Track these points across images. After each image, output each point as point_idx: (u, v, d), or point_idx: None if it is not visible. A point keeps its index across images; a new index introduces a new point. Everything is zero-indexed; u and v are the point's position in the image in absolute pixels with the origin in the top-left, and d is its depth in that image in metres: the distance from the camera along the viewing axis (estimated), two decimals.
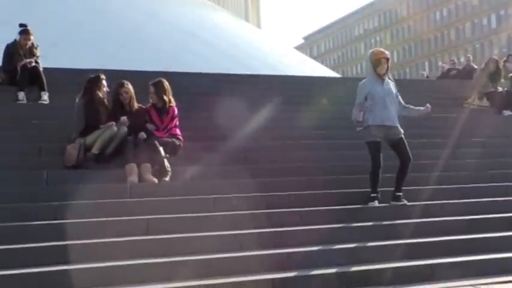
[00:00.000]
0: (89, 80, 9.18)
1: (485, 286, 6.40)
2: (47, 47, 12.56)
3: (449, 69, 23.07)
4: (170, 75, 11.46)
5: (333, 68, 67.66)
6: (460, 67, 24.37)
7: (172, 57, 19.64)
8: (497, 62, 15.90)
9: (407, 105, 8.77)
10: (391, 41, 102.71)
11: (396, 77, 44.58)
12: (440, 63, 41.16)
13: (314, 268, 6.71)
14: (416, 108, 8.83)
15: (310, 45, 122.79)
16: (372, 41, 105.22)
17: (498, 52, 64.48)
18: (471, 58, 24.56)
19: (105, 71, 10.19)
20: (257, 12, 68.33)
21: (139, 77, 10.73)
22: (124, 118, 8.99)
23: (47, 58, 12.14)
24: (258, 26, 60.02)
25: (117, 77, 9.69)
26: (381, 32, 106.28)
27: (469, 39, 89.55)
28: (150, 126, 9.06)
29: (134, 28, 21.31)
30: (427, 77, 29.14)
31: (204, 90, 12.96)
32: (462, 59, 63.65)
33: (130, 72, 12.02)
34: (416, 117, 9.47)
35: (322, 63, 51.40)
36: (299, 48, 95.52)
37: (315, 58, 71.73)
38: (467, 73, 20.60)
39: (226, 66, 19.00)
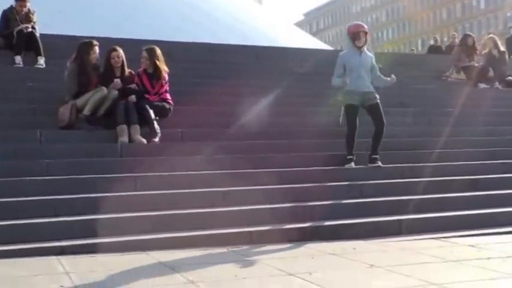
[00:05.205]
0: (81, 43, 8.91)
1: (447, 239, 6.46)
2: (52, 14, 12.26)
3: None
4: (173, 44, 11.30)
5: (331, 44, 66.98)
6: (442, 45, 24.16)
7: (176, 29, 19.38)
8: (473, 38, 15.70)
9: (378, 75, 8.62)
10: (387, 19, 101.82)
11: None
12: (431, 42, 40.78)
13: (292, 222, 6.68)
14: (385, 78, 8.64)
15: (309, 22, 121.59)
16: (369, 19, 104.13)
17: (485, 32, 63.81)
18: (456, 35, 24.18)
19: (109, 40, 9.96)
20: None
21: (142, 46, 10.50)
22: (117, 81, 8.82)
23: (51, 25, 11.89)
24: (259, 1, 59.33)
25: (120, 45, 9.40)
26: (376, 11, 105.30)
27: (459, 18, 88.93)
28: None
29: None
30: (413, 50, 28.96)
31: (203, 59, 12.79)
32: None
33: (132, 40, 11.78)
34: (384, 86, 9.11)
35: (320, 39, 50.97)
36: (299, 24, 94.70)
37: (314, 34, 71.25)
38: (451, 49, 20.36)
39: (227, 38, 18.70)
